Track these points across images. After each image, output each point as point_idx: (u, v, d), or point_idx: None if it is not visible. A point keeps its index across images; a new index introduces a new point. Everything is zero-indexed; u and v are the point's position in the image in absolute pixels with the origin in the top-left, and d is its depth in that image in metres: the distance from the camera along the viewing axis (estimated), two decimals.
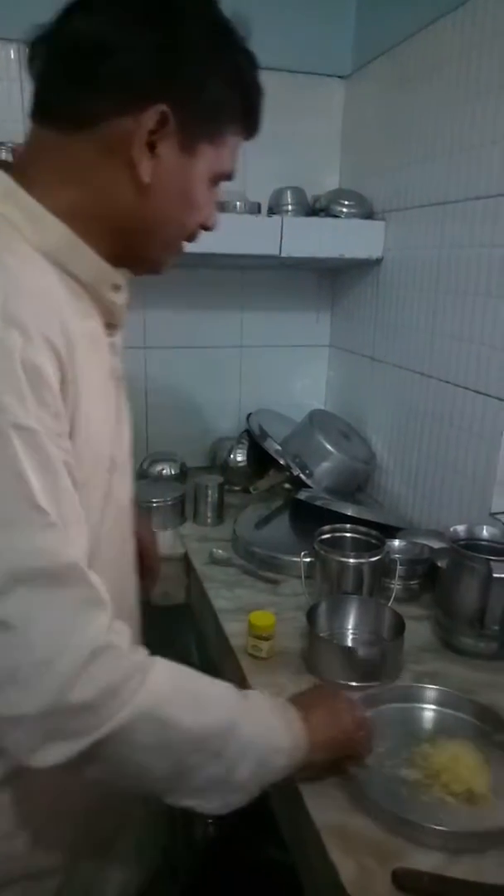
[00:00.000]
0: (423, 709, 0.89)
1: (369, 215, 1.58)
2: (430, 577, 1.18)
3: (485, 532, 1.07)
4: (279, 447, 1.56)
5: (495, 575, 0.93)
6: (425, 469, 1.41)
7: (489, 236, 1.18)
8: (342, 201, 1.57)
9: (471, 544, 1.05)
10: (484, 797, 0.74)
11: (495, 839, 0.69)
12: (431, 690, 0.90)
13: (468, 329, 1.26)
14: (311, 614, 1.01)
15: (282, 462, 1.53)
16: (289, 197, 1.58)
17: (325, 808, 0.74)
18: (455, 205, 1.27)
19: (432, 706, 0.89)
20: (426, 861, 0.67)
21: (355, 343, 1.72)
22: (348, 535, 1.17)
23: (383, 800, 0.72)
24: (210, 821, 1.51)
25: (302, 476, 1.49)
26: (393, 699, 0.90)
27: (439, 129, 1.31)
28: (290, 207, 1.57)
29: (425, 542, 1.25)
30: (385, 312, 1.56)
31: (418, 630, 1.07)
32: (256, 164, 1.66)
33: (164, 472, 1.61)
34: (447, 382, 1.32)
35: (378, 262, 1.57)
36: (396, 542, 1.22)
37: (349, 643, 1.03)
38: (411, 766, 0.79)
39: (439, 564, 1.17)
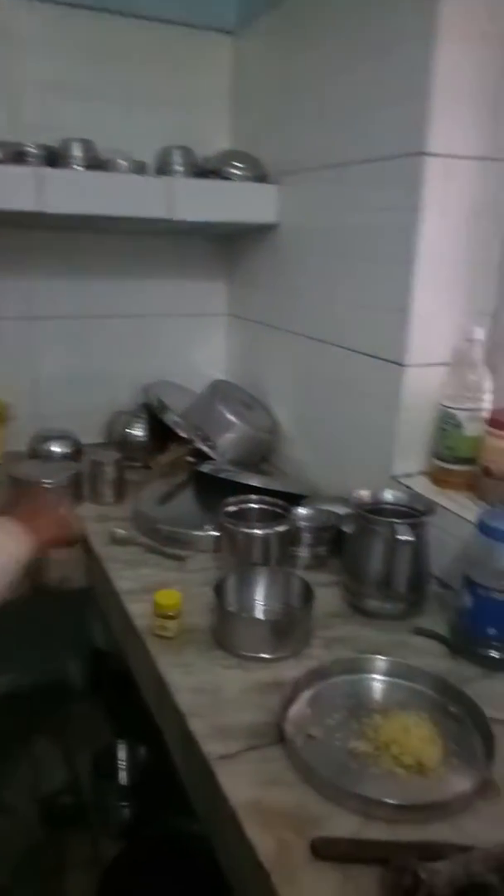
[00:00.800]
0: (374, 679, 0.88)
1: (262, 178, 1.53)
2: (336, 543, 1.17)
3: (388, 496, 1.07)
4: (179, 419, 1.51)
5: (400, 538, 0.94)
6: (328, 436, 1.41)
7: (384, 200, 1.17)
8: (234, 163, 1.52)
9: (375, 508, 1.05)
10: (434, 770, 0.73)
11: (439, 811, 0.68)
12: (383, 661, 0.89)
13: (364, 295, 1.25)
14: (219, 588, 0.97)
15: (183, 435, 1.49)
16: (177, 157, 1.51)
17: (240, 784, 0.71)
18: (350, 168, 1.25)
19: (385, 677, 0.88)
20: (346, 827, 0.66)
21: (254, 311, 1.69)
22: (254, 506, 1.14)
23: (328, 771, 0.71)
24: (124, 804, 1.48)
25: (204, 448, 1.45)
26: (343, 671, 0.88)
27: (333, 89, 1.28)
28: (179, 168, 1.50)
29: (331, 508, 1.25)
30: (283, 279, 1.53)
31: (327, 596, 1.06)
32: (139, 121, 1.59)
33: (57, 450, 1.52)
34: (345, 348, 1.31)
35: (273, 227, 1.54)
36: (302, 511, 1.21)
37: (258, 615, 1.01)
38: (361, 738, 0.78)
39: (345, 530, 1.17)
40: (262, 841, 0.65)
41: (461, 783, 0.72)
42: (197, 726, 0.79)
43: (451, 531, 1.09)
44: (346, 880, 0.61)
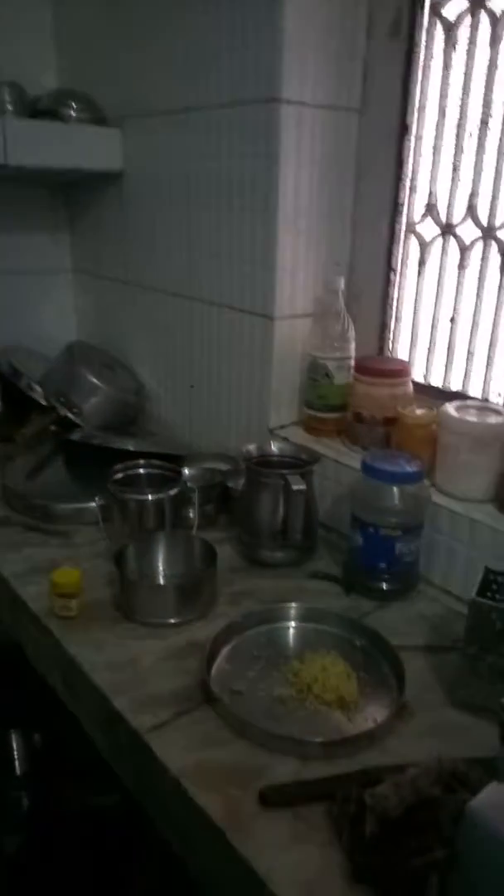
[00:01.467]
0: (285, 627, 0.91)
1: (101, 121, 1.44)
2: (223, 500, 1.18)
3: (273, 448, 1.09)
4: (38, 387, 1.41)
5: (294, 488, 0.97)
6: (199, 394, 1.40)
7: (239, 148, 1.15)
8: (70, 103, 1.41)
9: (262, 461, 1.07)
10: (353, 702, 0.78)
11: (366, 739, 0.73)
12: (290, 608, 0.92)
13: (226, 246, 1.23)
14: (120, 559, 0.95)
15: (44, 403, 1.40)
16: (6, 94, 1.36)
17: (177, 751, 0.71)
18: (202, 112, 1.21)
19: (294, 623, 0.92)
20: (287, 772, 0.69)
21: (104, 266, 1.60)
22: (142, 471, 1.11)
23: (259, 721, 0.74)
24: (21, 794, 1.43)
25: (70, 415, 1.38)
26: (255, 623, 0.90)
27: (180, 31, 1.22)
28: (8, 107, 1.36)
29: (213, 465, 1.25)
30: (135, 231, 1.47)
31: (223, 553, 1.07)
32: None
33: None
34: (211, 303, 1.30)
35: (119, 174, 1.45)
36: (187, 471, 1.20)
37: (162, 581, 1.00)
38: (283, 685, 0.80)
39: (230, 486, 1.18)
40: (211, 801, 0.66)
41: (380, 710, 0.78)
42: (122, 703, 0.78)
43: (330, 476, 1.15)
44: (296, 821, 0.64)
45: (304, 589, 1.01)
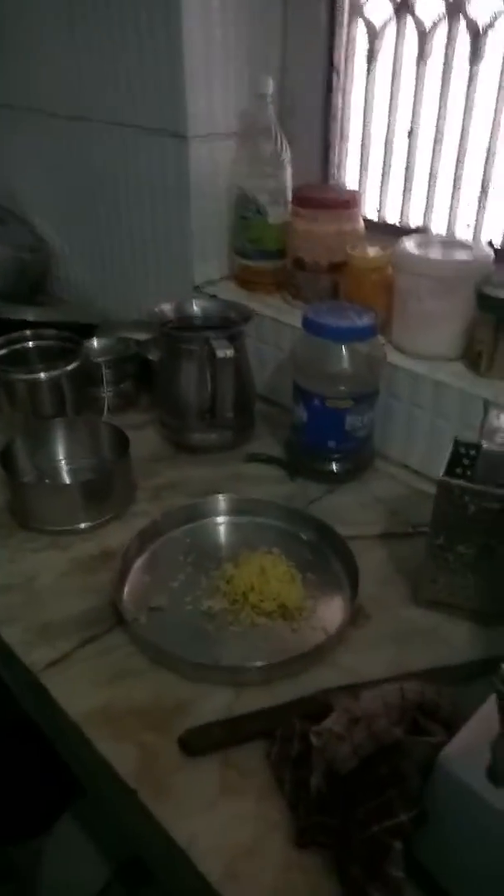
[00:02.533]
0: (215, 524, 0.76)
1: None
2: (143, 375, 0.99)
3: (194, 307, 0.89)
4: None
5: (219, 354, 0.78)
6: (111, 247, 1.15)
7: None
8: None
9: (182, 325, 0.87)
10: (298, 609, 0.65)
11: (313, 657, 0.60)
12: (220, 501, 0.77)
13: (118, 39, 0.95)
14: (6, 456, 0.76)
15: None
16: None
17: (80, 690, 0.58)
18: None
19: (226, 518, 0.76)
20: (217, 706, 0.56)
21: None
22: (31, 344, 0.90)
23: (182, 644, 0.60)
24: None
25: None
26: (177, 522, 0.75)
27: None
28: None
29: (129, 335, 1.04)
30: (6, 39, 1.14)
31: (144, 439, 0.90)
32: None
33: None
34: (109, 123, 1.03)
35: None
36: (96, 342, 0.99)
37: (66, 478, 0.83)
38: (213, 595, 0.66)
39: (150, 358, 0.99)
40: (119, 753, 0.53)
41: (331, 616, 0.65)
42: (12, 634, 0.63)
43: (269, 339, 0.96)
44: (226, 769, 0.52)
45: (241, 476, 0.85)
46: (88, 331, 1.05)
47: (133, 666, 0.60)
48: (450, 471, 0.63)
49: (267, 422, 0.95)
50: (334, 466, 0.83)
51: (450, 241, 0.83)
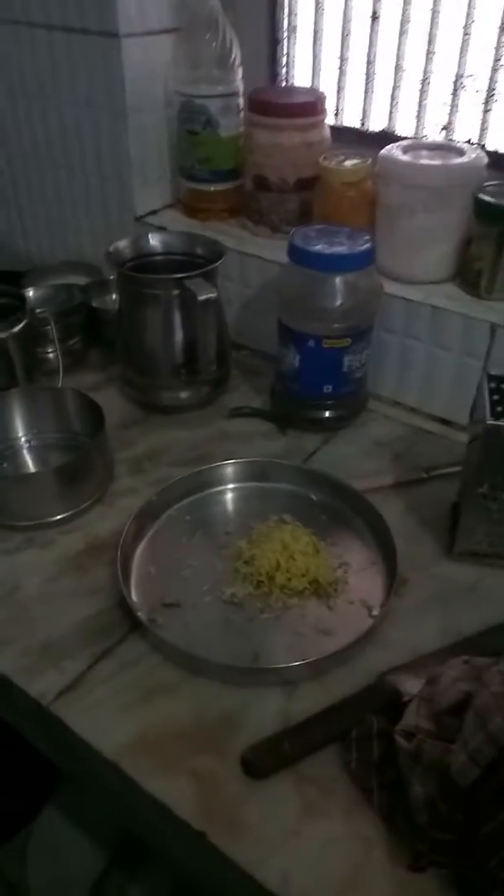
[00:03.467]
0: (216, 494, 0.67)
1: None
2: (89, 326, 0.86)
3: (153, 242, 0.76)
4: None
5: (201, 297, 0.66)
6: (32, 176, 0.98)
7: None
8: None
9: (142, 264, 0.74)
10: (332, 583, 0.57)
11: (364, 641, 0.53)
12: (218, 469, 0.67)
13: None
14: None
15: None
16: None
17: (105, 719, 0.49)
18: None
19: (227, 486, 0.67)
20: (270, 712, 0.49)
21: None
22: None
23: (214, 645, 0.52)
24: None
25: None
26: (174, 499, 0.65)
27: None
28: None
29: (64, 281, 0.90)
30: None
31: (107, 403, 0.77)
32: None
33: None
34: (22, 23, 0.85)
35: None
36: (31, 293, 0.84)
37: (29, 460, 0.71)
38: (234, 581, 0.58)
39: (95, 305, 0.85)
40: (174, 790, 0.45)
41: (365, 587, 0.58)
42: (6, 661, 0.53)
43: (233, 275, 0.84)
44: (303, 787, 0.45)
45: (226, 434, 0.76)
46: (14, 279, 0.89)
47: (162, 678, 0.51)
48: (494, 413, 0.56)
49: (239, 370, 0.85)
50: (328, 413, 0.75)
51: (436, 146, 0.74)
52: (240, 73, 0.82)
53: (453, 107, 0.80)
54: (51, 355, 0.81)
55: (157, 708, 0.49)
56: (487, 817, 0.38)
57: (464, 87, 0.78)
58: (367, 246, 0.67)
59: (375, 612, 0.55)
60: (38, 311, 0.77)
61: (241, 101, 0.82)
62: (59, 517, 0.63)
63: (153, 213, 0.90)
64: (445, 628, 0.55)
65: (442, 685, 0.45)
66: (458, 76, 0.78)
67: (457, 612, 0.57)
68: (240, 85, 0.82)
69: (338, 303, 0.67)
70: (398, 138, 0.80)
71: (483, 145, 0.79)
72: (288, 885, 0.40)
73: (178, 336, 0.71)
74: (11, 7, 0.84)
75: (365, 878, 0.41)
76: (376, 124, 0.86)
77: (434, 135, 0.82)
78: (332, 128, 0.85)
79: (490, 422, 0.53)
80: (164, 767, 0.46)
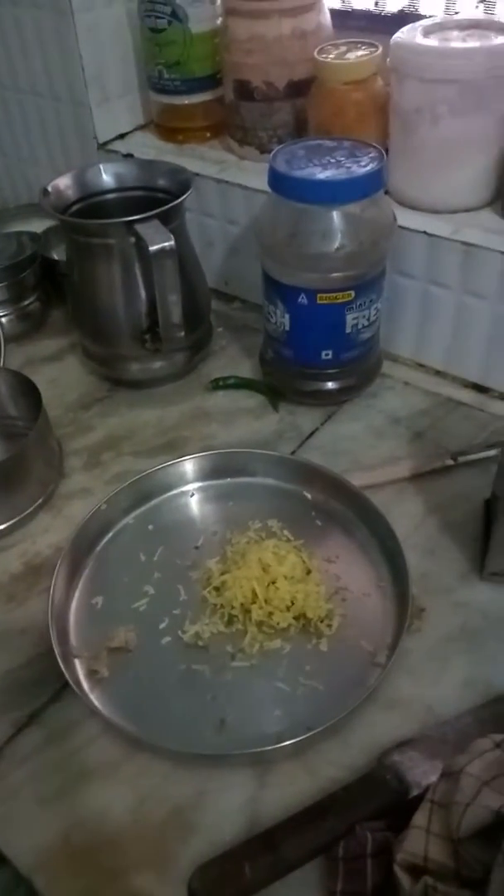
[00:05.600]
0: (183, 496, 0.54)
1: None
2: (49, 282, 0.72)
3: (104, 176, 0.61)
4: None
5: (152, 248, 0.51)
6: None
7: None
8: None
9: (90, 206, 0.59)
10: (325, 617, 0.44)
11: (363, 704, 0.40)
12: (187, 463, 0.54)
13: None
14: None
15: None
16: None
17: (18, 817, 0.38)
18: None
19: (196, 485, 0.54)
20: (234, 806, 0.37)
21: None
22: None
23: (171, 703, 0.40)
24: None
25: None
26: (130, 505, 0.52)
27: None
28: None
29: (17, 229, 0.75)
30: None
31: (65, 376, 0.65)
32: None
33: None
34: None
35: None
36: None
37: None
38: (199, 616, 0.45)
39: (55, 258, 0.71)
40: None
41: (369, 619, 0.45)
42: None
43: (214, 210, 0.69)
44: None
45: (206, 412, 0.62)
46: None
47: (99, 756, 0.40)
48: None
49: (227, 327, 0.71)
50: (330, 385, 0.60)
51: (469, 23, 0.56)
52: None
53: None
54: (3, 320, 0.68)
55: (88, 799, 0.38)
56: None
57: None
58: (372, 166, 0.50)
59: (380, 660, 0.43)
60: None
61: None
62: None
63: (120, 137, 0.74)
64: (472, 679, 0.42)
65: (462, 788, 0.33)
66: None
67: (489, 656, 0.43)
68: None
69: (335, 245, 0.51)
70: (418, 17, 0.62)
71: None
72: None
73: (138, 295, 0.57)
74: None
75: None
76: (394, 3, 0.67)
77: (469, 10, 0.63)
78: (337, 11, 0.66)
79: None
80: (89, 889, 0.35)
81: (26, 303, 0.70)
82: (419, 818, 0.34)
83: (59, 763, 0.40)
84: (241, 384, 0.64)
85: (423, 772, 0.37)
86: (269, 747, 0.38)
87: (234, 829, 0.36)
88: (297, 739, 0.38)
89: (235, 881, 0.34)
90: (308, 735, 0.38)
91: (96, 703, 0.41)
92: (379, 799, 0.36)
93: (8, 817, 0.38)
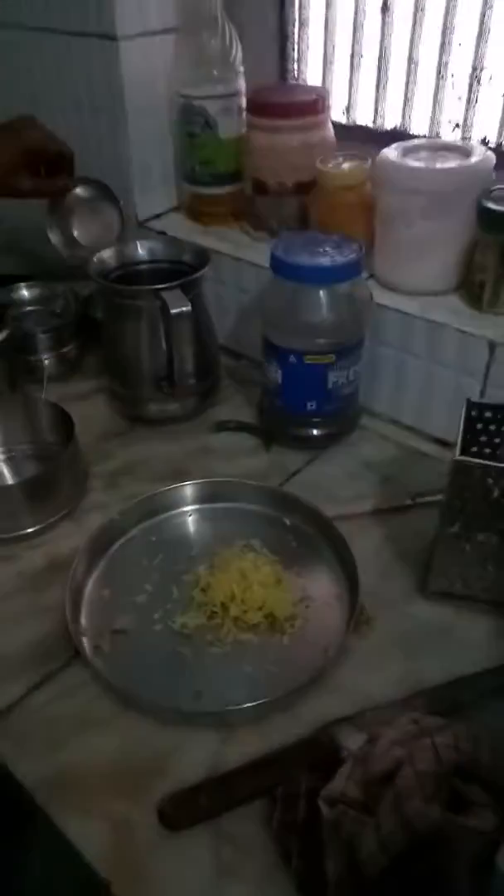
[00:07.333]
0: (183, 515, 0.64)
1: None
2: (87, 335, 0.85)
3: (140, 251, 0.74)
4: None
5: (173, 310, 0.64)
6: None
7: None
8: None
9: (127, 273, 0.72)
10: (289, 618, 0.54)
11: (314, 682, 0.50)
12: (188, 488, 0.65)
13: None
14: None
15: None
16: None
17: (33, 748, 0.47)
18: None
19: (195, 507, 0.65)
20: (201, 755, 0.47)
21: None
22: None
23: (153, 680, 0.50)
24: None
25: None
26: (138, 519, 0.63)
27: None
28: None
29: (65, 284, 0.89)
30: None
31: (93, 413, 0.77)
32: None
33: None
34: (30, 29, 0.84)
35: None
36: (26, 292, 0.84)
37: (5, 475, 0.70)
38: (188, 609, 0.55)
39: (97, 317, 0.84)
40: (87, 829, 0.43)
41: (326, 623, 0.55)
42: None
43: (229, 281, 0.81)
44: (220, 844, 0.42)
45: (209, 449, 0.73)
46: (16, 281, 0.89)
47: (96, 712, 0.50)
48: (465, 443, 0.51)
49: (233, 380, 0.83)
50: (315, 431, 0.71)
51: (440, 146, 0.69)
52: (241, 71, 0.78)
53: (469, 102, 0.74)
54: (45, 362, 0.81)
55: (85, 744, 0.48)
56: None
57: (480, 81, 0.73)
58: (353, 256, 0.62)
59: (331, 654, 0.52)
60: (24, 323, 0.76)
61: (242, 101, 0.79)
62: (22, 532, 0.62)
63: (156, 217, 0.88)
64: (406, 676, 0.51)
65: (379, 747, 0.42)
66: (475, 69, 0.72)
67: (422, 658, 0.53)
68: (241, 85, 0.79)
69: (321, 317, 0.64)
70: (410, 137, 0.76)
71: (499, 145, 0.73)
72: None
73: (159, 348, 0.69)
74: (12, 11, 0.83)
75: None
76: (389, 122, 0.81)
77: (447, 132, 0.77)
78: (342, 126, 0.81)
79: (458, 457, 0.49)
80: (81, 807, 0.44)
81: (66, 349, 0.82)
82: (344, 769, 0.42)
83: (65, 715, 0.49)
84: (241, 428, 0.75)
85: (353, 739, 0.46)
86: (232, 707, 0.47)
87: (199, 774, 0.45)
88: (255, 703, 0.47)
89: (195, 806, 0.43)
90: (262, 701, 0.47)
91: (98, 670, 0.51)
92: (316, 755, 0.45)
93: (21, 752, 0.47)
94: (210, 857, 0.42)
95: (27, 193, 0.70)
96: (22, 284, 0.87)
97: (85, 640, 0.53)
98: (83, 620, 0.55)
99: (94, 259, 0.71)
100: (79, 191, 0.76)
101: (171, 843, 0.42)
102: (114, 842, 0.42)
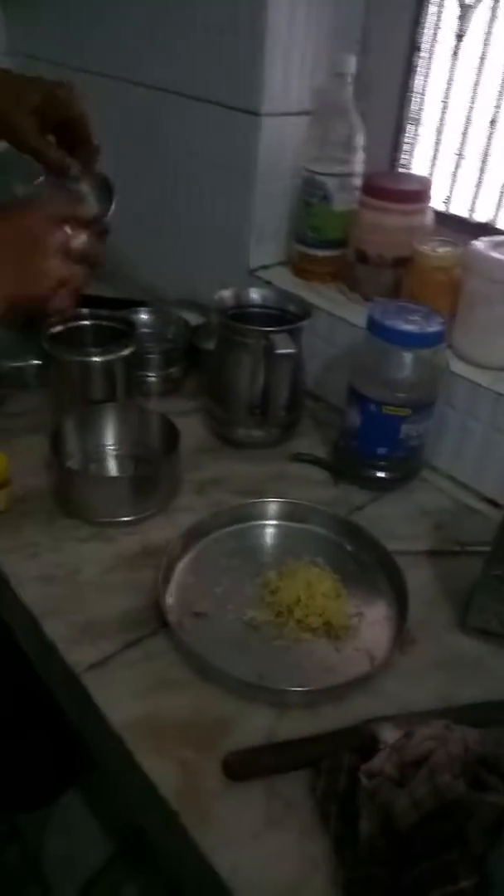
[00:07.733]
0: (261, 526, 0.74)
1: None
2: (191, 360, 0.96)
3: (254, 295, 0.85)
4: None
5: (279, 351, 0.74)
6: (167, 221, 1.11)
7: None
8: None
9: (239, 313, 0.84)
10: (343, 628, 0.63)
11: (359, 683, 0.59)
12: (269, 504, 0.75)
13: (199, 7, 0.90)
14: (56, 439, 0.75)
15: None
16: None
17: (122, 697, 0.57)
18: None
19: (272, 521, 0.75)
20: (259, 725, 0.55)
21: (41, 45, 1.22)
22: (88, 323, 0.87)
23: (225, 657, 0.59)
24: None
25: None
26: (224, 523, 0.73)
27: None
28: None
29: (177, 312, 1.01)
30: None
31: (189, 428, 0.87)
32: None
33: None
34: (176, 94, 0.98)
35: None
36: (144, 316, 0.96)
37: (112, 467, 0.81)
38: (258, 605, 0.65)
39: (201, 347, 0.96)
40: (161, 771, 0.52)
41: (375, 635, 0.63)
42: (55, 629, 0.62)
43: (320, 332, 0.92)
44: (271, 798, 0.51)
45: (284, 475, 0.83)
46: (133, 307, 1.02)
47: (175, 676, 0.59)
48: None
49: (313, 419, 0.93)
50: (382, 474, 0.81)
51: None
52: (360, 156, 0.90)
53: None
54: (152, 379, 0.93)
55: (165, 699, 0.57)
56: (416, 862, 0.42)
57: None
58: (438, 327, 0.73)
59: (377, 664, 0.60)
60: (146, 339, 0.88)
61: (357, 180, 0.91)
62: (124, 519, 0.73)
63: (265, 267, 1.00)
64: (441, 693, 0.59)
65: (414, 739, 0.50)
66: None
67: (456, 681, 0.60)
68: (359, 166, 0.91)
69: (403, 375, 0.74)
70: (499, 232, 0.86)
71: None
72: (237, 877, 0.46)
73: (257, 381, 0.80)
74: (175, 82, 0.97)
75: (303, 893, 0.46)
76: (482, 215, 0.92)
77: None
78: (440, 213, 0.92)
79: None
80: (158, 749, 0.53)
81: (172, 370, 0.94)
82: (382, 754, 0.51)
83: (150, 673, 0.59)
84: (314, 461, 0.85)
85: (390, 734, 0.54)
86: (291, 688, 0.56)
87: (256, 740, 0.54)
88: (309, 689, 0.56)
89: (255, 763, 0.52)
90: (315, 688, 0.56)
91: (181, 641, 0.60)
92: (357, 741, 0.53)
93: (111, 700, 0.56)
94: (261, 807, 0.50)
95: (28, 148, 0.67)
96: (142, 309, 1.00)
97: (171, 617, 0.63)
98: (170, 599, 0.65)
99: (217, 297, 0.82)
100: (80, 186, 0.74)
101: (230, 790, 0.51)
102: (183, 782, 0.51)
